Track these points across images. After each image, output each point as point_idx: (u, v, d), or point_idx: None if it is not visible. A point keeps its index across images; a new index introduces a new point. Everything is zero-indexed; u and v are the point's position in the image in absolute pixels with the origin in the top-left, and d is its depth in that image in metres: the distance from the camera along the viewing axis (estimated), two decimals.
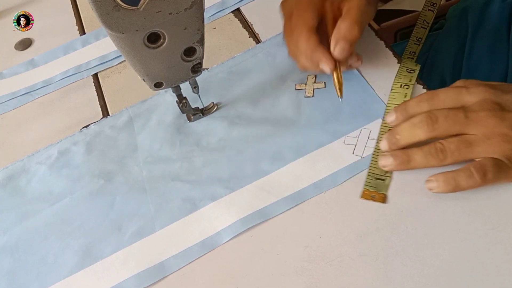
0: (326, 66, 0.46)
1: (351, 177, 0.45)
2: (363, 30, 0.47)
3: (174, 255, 0.44)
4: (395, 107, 0.45)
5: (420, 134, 0.42)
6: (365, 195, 0.43)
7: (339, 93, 0.47)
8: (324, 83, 0.52)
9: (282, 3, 0.52)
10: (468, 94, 0.42)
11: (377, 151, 0.45)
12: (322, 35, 0.48)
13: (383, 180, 0.44)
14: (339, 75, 0.47)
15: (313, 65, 0.48)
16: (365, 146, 0.46)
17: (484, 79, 0.63)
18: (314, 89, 0.52)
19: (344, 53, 0.45)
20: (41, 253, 0.47)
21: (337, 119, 0.49)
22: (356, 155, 0.46)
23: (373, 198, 0.43)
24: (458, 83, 0.44)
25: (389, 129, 0.45)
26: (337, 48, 0.45)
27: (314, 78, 0.53)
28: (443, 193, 0.41)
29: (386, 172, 0.44)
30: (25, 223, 0.49)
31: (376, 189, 0.43)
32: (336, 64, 0.47)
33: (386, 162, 0.43)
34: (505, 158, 0.39)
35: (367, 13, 0.48)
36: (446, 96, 0.43)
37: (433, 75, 0.70)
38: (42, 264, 0.46)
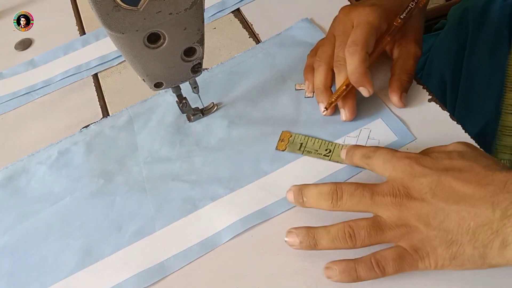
0: (347, 115, 0.48)
1: (351, 177, 0.45)
2: None
3: (174, 255, 0.44)
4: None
5: (324, 206, 0.40)
6: None
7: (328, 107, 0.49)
8: None
9: (341, 10, 0.51)
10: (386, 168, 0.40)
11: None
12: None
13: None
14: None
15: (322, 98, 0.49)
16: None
17: (485, 79, 0.63)
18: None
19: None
20: (41, 253, 0.47)
21: (337, 119, 0.49)
22: None
23: None
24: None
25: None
26: (402, 100, 0.48)
27: None
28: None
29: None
30: (25, 223, 0.49)
31: None
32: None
33: (292, 241, 0.40)
34: (411, 249, 0.36)
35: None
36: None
37: (433, 75, 0.70)
38: (42, 264, 0.46)
